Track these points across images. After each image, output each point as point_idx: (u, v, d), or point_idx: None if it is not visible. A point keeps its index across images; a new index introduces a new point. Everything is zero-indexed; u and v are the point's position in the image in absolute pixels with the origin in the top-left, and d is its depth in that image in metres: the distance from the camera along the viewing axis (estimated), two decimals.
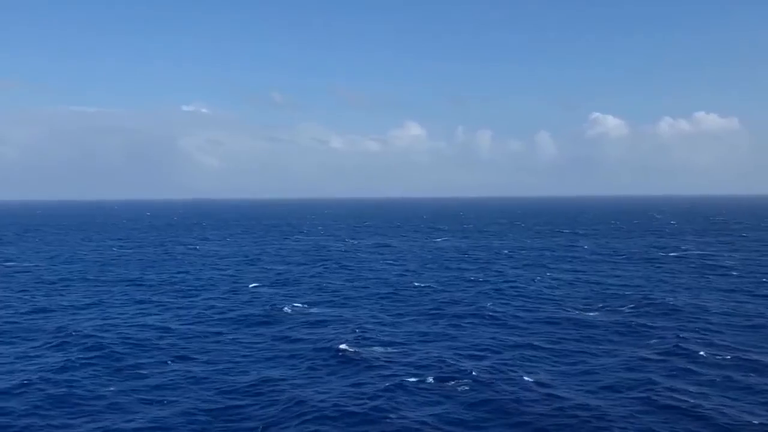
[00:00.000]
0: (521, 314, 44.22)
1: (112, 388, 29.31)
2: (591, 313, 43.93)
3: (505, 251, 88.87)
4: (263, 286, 59.00)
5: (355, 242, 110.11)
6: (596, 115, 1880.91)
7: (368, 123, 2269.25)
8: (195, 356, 34.60)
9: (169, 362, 33.42)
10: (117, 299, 52.24)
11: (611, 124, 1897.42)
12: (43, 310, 47.51)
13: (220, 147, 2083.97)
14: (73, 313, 46.49)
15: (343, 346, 35.20)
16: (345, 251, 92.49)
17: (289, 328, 41.13)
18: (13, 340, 38.64)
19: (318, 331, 39.72)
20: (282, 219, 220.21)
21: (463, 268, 70.41)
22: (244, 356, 34.69)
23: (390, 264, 75.40)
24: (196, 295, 53.94)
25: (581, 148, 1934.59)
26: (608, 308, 45.67)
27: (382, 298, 51.62)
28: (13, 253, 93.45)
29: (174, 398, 28.14)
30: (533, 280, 59.75)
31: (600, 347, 35.22)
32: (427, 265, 73.32)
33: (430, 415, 25.58)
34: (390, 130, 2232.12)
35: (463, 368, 31.16)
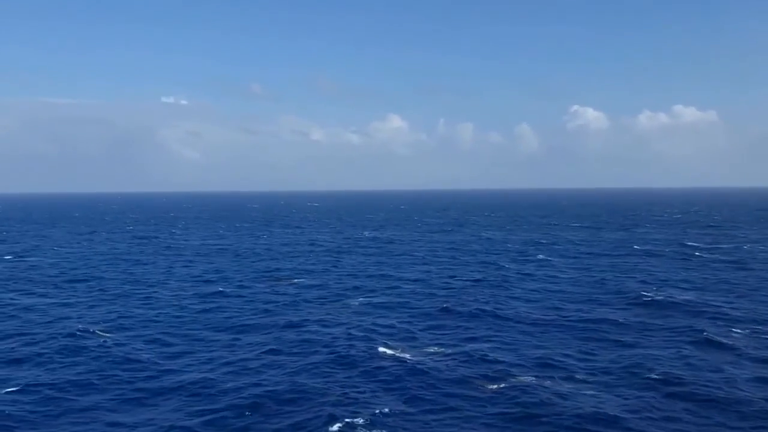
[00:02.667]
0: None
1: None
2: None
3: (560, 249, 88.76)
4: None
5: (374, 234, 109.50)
6: (576, 107, 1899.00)
7: (349, 115, 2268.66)
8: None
9: None
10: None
11: (591, 116, 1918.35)
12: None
13: (199, 139, 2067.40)
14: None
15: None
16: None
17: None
18: None
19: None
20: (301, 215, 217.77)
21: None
22: None
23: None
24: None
25: (562, 141, 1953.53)
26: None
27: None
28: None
29: None
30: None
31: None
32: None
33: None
34: (371, 122, 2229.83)
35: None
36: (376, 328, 38.84)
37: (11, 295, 51.67)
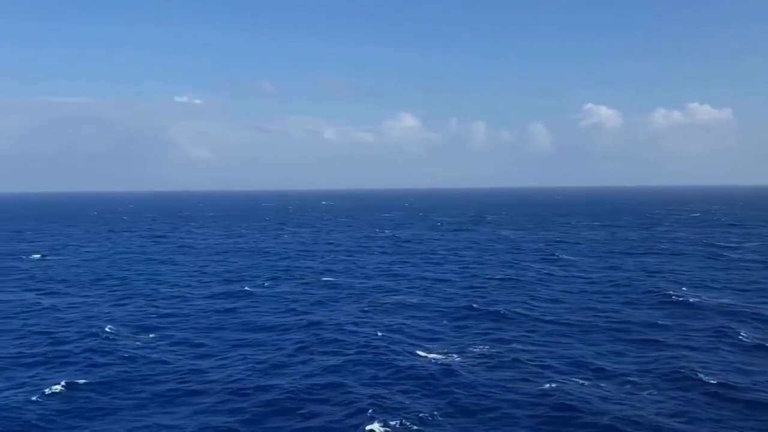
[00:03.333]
0: None
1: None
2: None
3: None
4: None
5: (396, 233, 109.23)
6: (590, 105, 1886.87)
7: (361, 114, 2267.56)
8: None
9: None
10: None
11: (605, 114, 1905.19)
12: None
13: (211, 138, 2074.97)
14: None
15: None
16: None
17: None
18: None
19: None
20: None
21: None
22: None
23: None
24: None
25: (574, 139, 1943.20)
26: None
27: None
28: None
29: None
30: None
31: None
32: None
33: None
34: (383, 121, 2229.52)
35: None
36: (405, 329, 38.53)
37: (42, 294, 51.94)
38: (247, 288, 53.50)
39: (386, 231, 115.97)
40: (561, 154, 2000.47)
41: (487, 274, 58.82)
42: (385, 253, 79.84)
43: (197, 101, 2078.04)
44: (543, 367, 30.73)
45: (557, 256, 72.52)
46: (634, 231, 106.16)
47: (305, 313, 43.55)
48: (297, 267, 66.55)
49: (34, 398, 27.09)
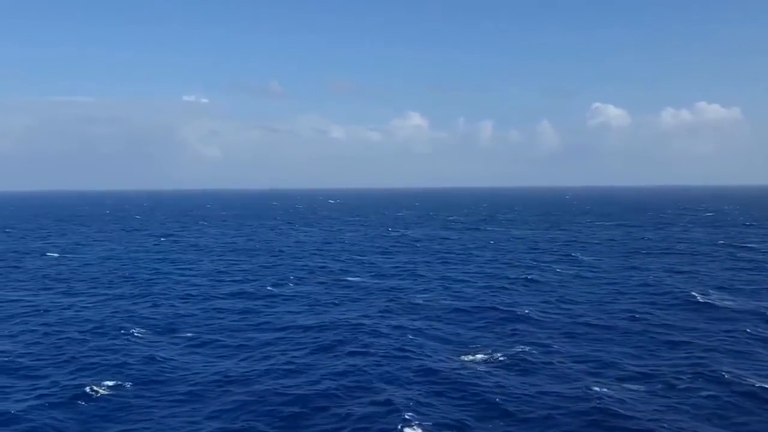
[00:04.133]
0: None
1: None
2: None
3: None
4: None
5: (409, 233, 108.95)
6: (597, 104, 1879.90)
7: (368, 114, 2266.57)
8: None
9: None
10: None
11: (613, 113, 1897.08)
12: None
13: (219, 137, 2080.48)
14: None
15: None
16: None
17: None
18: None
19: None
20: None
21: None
22: None
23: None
24: None
25: (582, 138, 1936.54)
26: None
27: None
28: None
29: None
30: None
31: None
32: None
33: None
34: (391, 120, 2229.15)
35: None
36: (430, 330, 38.24)
37: (62, 293, 51.88)
38: (269, 287, 53.33)
39: (399, 230, 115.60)
40: (569, 154, 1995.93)
41: (507, 275, 58.35)
42: (400, 252, 79.46)
43: (204, 100, 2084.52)
44: (574, 369, 30.35)
45: (576, 256, 71.89)
46: (650, 231, 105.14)
47: (326, 312, 43.29)
48: (314, 266, 66.23)
49: (60, 401, 26.93)
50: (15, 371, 30.96)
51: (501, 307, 43.62)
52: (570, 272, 59.78)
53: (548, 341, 35.35)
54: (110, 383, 28.77)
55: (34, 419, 25.04)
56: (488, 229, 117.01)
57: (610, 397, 26.32)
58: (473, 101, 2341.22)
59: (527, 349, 33.65)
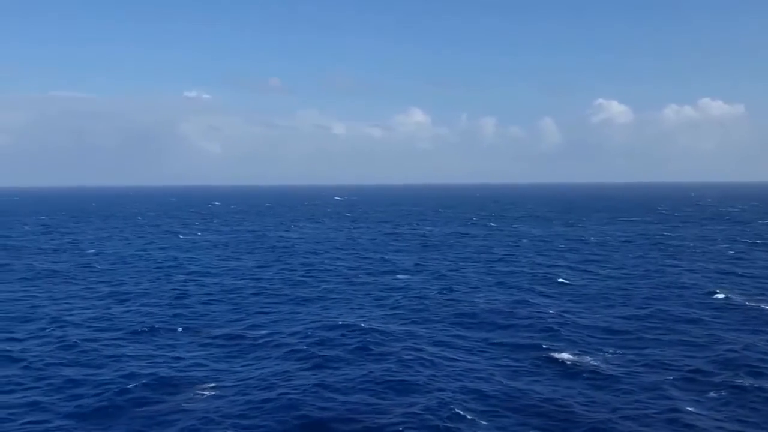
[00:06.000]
0: None
1: None
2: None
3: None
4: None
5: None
6: (600, 101, 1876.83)
7: (371, 110, 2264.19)
8: None
9: None
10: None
11: (616, 110, 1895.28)
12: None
13: (220, 133, 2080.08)
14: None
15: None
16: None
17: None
18: None
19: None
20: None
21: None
22: None
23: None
24: None
25: (585, 135, 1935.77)
26: None
27: None
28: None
29: None
30: None
31: None
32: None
33: None
34: (392, 116, 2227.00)
35: None
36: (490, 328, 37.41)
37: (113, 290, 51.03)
38: (303, 285, 52.76)
39: (417, 226, 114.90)
40: (571, 150, 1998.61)
41: (554, 274, 57.32)
42: (426, 247, 79.76)
43: (206, 96, 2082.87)
44: (624, 371, 29.74)
45: (605, 254, 70.92)
46: (675, 230, 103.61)
47: (385, 307, 42.99)
48: (342, 265, 64.70)
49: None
50: None
51: (557, 311, 42.72)
52: (602, 272, 58.64)
53: (606, 342, 34.54)
54: (162, 375, 28.01)
55: None
56: (508, 227, 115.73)
57: (660, 401, 25.91)
58: (475, 97, 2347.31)
59: (588, 349, 32.84)
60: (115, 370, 30.04)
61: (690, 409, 25.00)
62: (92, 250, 78.42)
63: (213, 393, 27.32)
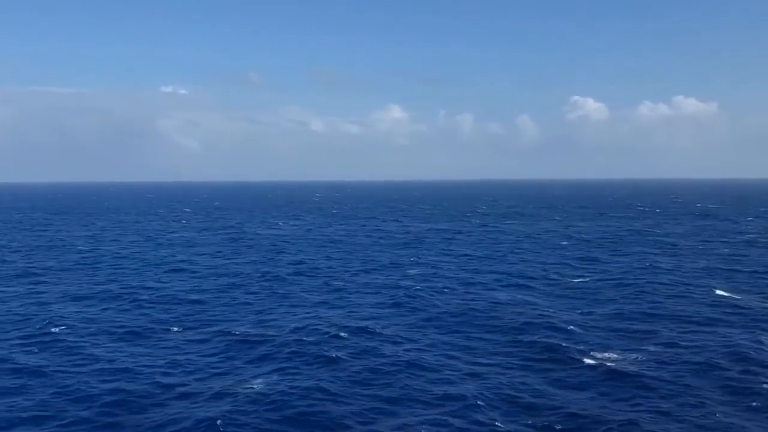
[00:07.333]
0: None
1: None
2: None
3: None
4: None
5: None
6: (576, 98, 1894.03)
7: (349, 106, 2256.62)
8: None
9: None
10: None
11: (591, 107, 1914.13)
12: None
13: (198, 129, 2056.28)
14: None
15: None
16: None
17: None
18: None
19: None
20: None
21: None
22: None
23: None
24: None
25: (562, 131, 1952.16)
26: None
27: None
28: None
29: None
30: None
31: None
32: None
33: None
34: (371, 112, 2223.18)
35: None
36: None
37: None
38: (338, 283, 51.88)
39: (418, 224, 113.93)
40: (549, 147, 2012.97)
41: (554, 272, 56.80)
42: (421, 244, 78.34)
43: (183, 91, 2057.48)
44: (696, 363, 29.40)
45: (600, 252, 70.69)
46: (680, 225, 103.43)
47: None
48: (334, 263, 63.49)
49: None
50: None
51: (584, 310, 42.01)
52: (622, 269, 58.32)
53: (647, 339, 34.01)
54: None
55: None
56: (509, 224, 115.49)
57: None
58: (453, 94, 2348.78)
59: (633, 347, 32.27)
60: (110, 374, 28.79)
61: (717, 407, 24.53)
62: (82, 248, 76.51)
63: (213, 394, 26.27)
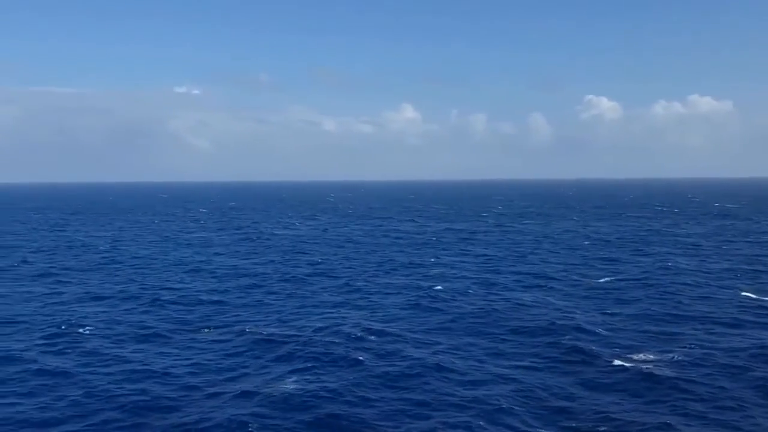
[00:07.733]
0: None
1: None
2: None
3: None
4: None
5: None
6: (590, 97, 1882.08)
7: (362, 106, 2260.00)
8: None
9: None
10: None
11: (605, 106, 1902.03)
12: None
13: (210, 129, 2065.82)
14: None
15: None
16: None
17: None
18: None
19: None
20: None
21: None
22: None
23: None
24: None
25: (575, 131, 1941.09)
26: None
27: None
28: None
29: None
30: None
31: None
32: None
33: None
34: (383, 112, 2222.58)
35: None
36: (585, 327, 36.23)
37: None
38: (358, 283, 51.64)
39: (434, 224, 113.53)
40: (562, 146, 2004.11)
41: (576, 273, 56.21)
42: (439, 244, 77.69)
43: (196, 92, 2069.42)
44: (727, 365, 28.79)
45: (621, 252, 69.95)
46: (700, 225, 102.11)
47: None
48: (353, 264, 63.60)
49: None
50: None
51: (615, 311, 41.55)
52: (656, 266, 57.66)
53: (681, 338, 33.48)
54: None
55: None
56: (526, 223, 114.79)
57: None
58: (466, 94, 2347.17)
59: (666, 347, 31.79)
60: (137, 374, 28.79)
61: (755, 409, 24.03)
62: (102, 248, 76.60)
63: (228, 395, 26.13)
